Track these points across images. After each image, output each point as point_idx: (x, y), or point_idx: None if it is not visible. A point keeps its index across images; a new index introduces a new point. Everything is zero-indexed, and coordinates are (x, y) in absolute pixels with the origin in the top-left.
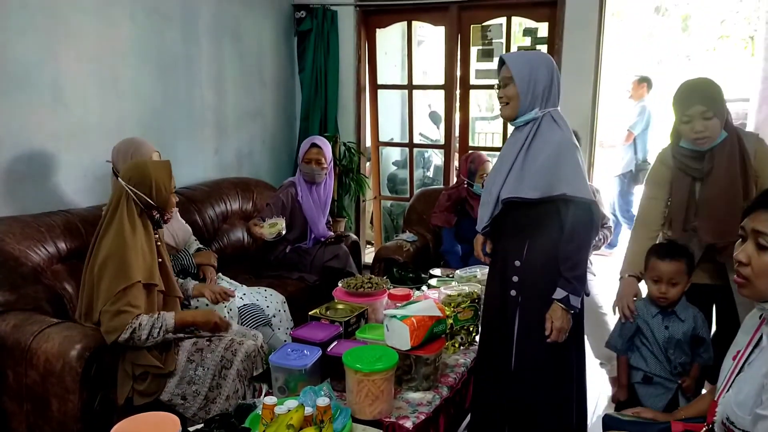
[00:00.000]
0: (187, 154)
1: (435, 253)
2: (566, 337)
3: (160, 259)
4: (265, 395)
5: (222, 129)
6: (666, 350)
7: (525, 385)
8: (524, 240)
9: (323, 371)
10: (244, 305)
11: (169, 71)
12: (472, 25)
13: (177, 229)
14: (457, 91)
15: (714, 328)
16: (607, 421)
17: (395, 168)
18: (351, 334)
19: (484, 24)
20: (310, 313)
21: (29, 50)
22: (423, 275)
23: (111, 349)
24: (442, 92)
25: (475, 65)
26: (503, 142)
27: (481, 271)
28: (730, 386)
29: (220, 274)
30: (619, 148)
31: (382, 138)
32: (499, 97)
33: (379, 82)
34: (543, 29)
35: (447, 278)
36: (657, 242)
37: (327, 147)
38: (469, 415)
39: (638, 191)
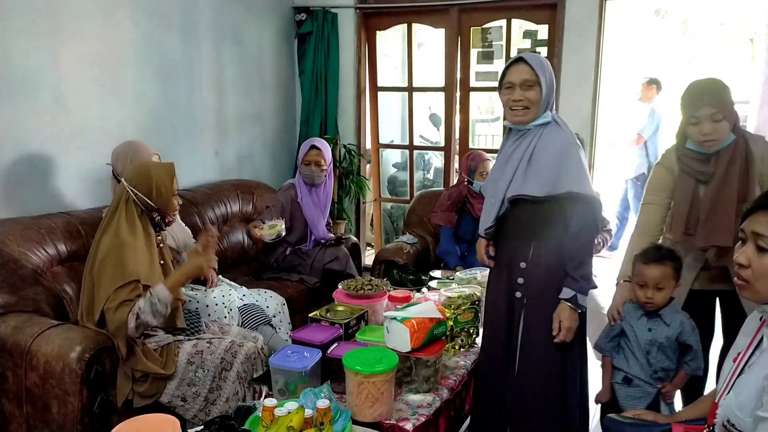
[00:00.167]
0: (187, 157)
1: (435, 255)
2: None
3: (162, 261)
4: (265, 397)
5: (222, 131)
6: (648, 353)
7: (529, 386)
8: (530, 241)
9: (323, 373)
10: (245, 305)
11: (169, 74)
12: (472, 28)
13: (177, 231)
14: (457, 93)
15: (721, 335)
16: (608, 423)
17: (395, 170)
18: (351, 336)
19: (484, 26)
20: (310, 315)
21: (30, 53)
22: (423, 277)
23: (111, 350)
24: (442, 94)
25: (475, 67)
26: None
27: (481, 273)
28: (731, 388)
29: (220, 275)
30: (628, 151)
31: (383, 140)
32: (518, 100)
33: (380, 84)
34: (543, 31)
35: (447, 280)
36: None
37: (326, 149)
38: (469, 417)
39: None
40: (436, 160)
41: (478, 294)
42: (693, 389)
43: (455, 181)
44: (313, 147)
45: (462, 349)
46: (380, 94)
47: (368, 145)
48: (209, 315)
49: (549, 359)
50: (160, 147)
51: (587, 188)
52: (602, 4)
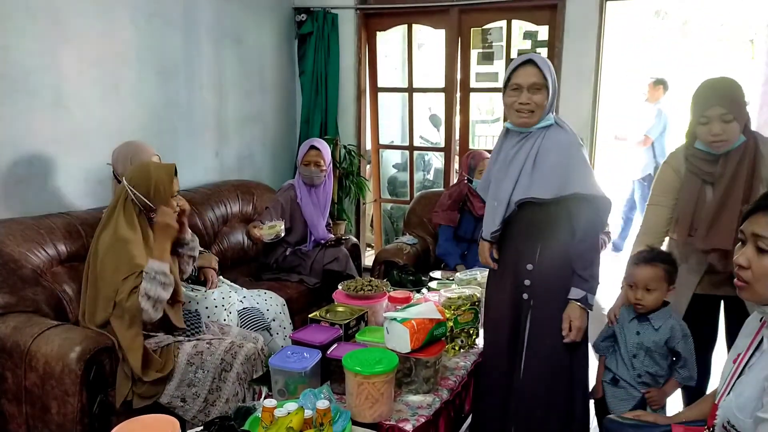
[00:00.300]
0: (187, 157)
1: (435, 256)
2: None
3: None
4: (264, 398)
5: (223, 132)
6: (634, 356)
7: (536, 386)
8: (536, 243)
9: (323, 374)
10: (244, 308)
11: (170, 74)
12: (472, 28)
13: None
14: (458, 94)
15: (723, 340)
16: (608, 424)
17: (395, 171)
18: (351, 337)
19: (484, 27)
20: (310, 315)
21: (31, 54)
22: (423, 278)
23: (110, 350)
24: (442, 95)
25: (475, 68)
26: None
27: (481, 274)
28: (731, 389)
29: (221, 276)
30: (635, 151)
31: (383, 141)
32: (525, 103)
33: (380, 84)
34: (543, 32)
35: (447, 281)
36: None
37: (326, 149)
38: (469, 418)
39: None
40: (436, 160)
41: (478, 295)
42: (695, 391)
43: (455, 182)
44: (313, 147)
45: (462, 350)
46: (380, 94)
47: (368, 145)
48: (209, 317)
49: (557, 359)
50: (160, 147)
51: (595, 188)
52: (602, 5)
